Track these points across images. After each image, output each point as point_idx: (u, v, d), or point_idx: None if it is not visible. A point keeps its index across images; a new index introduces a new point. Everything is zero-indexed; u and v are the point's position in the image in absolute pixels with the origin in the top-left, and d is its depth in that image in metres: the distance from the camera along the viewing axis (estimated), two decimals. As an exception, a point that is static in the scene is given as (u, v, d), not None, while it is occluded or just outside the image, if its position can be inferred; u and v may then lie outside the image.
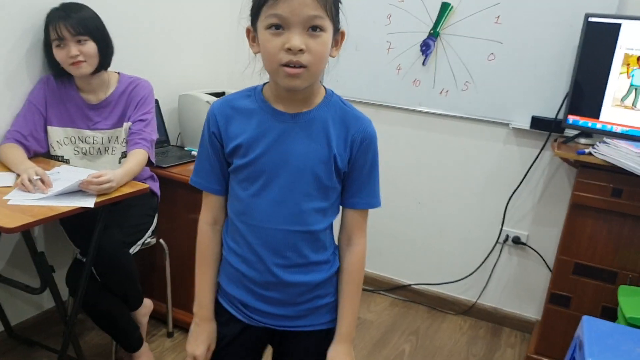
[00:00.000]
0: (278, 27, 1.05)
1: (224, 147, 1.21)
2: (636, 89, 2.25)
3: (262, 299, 1.25)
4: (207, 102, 2.65)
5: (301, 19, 1.04)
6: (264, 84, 1.22)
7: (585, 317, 1.88)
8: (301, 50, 1.05)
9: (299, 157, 1.16)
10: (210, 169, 1.24)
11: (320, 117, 1.18)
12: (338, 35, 1.15)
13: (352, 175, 1.21)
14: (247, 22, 1.15)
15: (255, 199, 1.19)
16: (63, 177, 1.88)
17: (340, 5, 1.13)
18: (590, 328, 1.81)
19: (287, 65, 1.06)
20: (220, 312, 1.32)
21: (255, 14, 1.10)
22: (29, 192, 1.76)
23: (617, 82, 2.28)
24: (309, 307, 1.26)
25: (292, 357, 1.34)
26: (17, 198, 1.72)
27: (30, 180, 1.77)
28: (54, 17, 1.96)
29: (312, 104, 1.18)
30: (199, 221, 1.30)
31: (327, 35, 1.08)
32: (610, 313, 2.27)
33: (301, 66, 1.06)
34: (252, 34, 1.14)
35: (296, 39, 1.04)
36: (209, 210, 1.29)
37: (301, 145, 1.16)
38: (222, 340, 1.32)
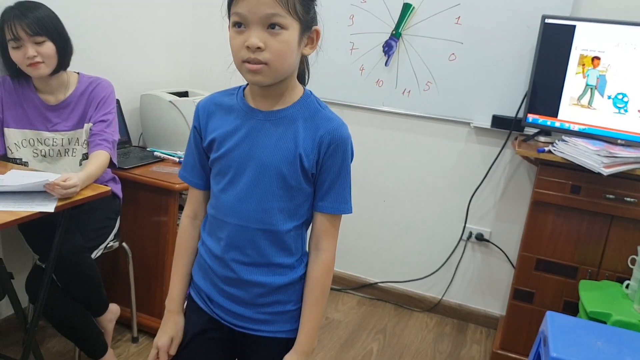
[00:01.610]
0: (240, 25, 1.08)
1: (203, 141, 1.24)
2: (591, 89, 2.32)
3: (224, 294, 1.25)
4: (170, 101, 2.62)
5: (259, 17, 1.06)
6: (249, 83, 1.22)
7: (549, 313, 1.92)
8: (259, 47, 1.07)
9: (265, 154, 1.17)
10: (193, 163, 1.29)
11: (292, 116, 1.18)
12: (311, 33, 1.15)
13: (320, 177, 1.20)
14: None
15: (223, 193, 1.22)
16: (11, 181, 1.78)
17: (313, 2, 1.13)
18: (554, 323, 1.85)
19: (247, 61, 1.09)
20: (190, 304, 1.33)
21: (227, 11, 1.13)
22: None
23: (573, 82, 2.34)
24: (269, 311, 1.25)
25: None
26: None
27: None
28: (9, 17, 1.89)
29: (287, 102, 1.19)
30: (182, 214, 1.34)
31: (289, 33, 1.09)
32: (572, 307, 2.33)
33: (261, 63, 1.08)
34: None
35: (253, 38, 1.07)
36: (191, 203, 1.33)
37: (269, 143, 1.17)
38: (188, 333, 1.32)
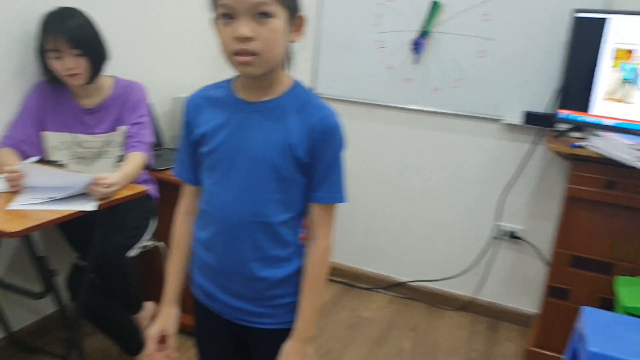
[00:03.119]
0: (228, 16, 1.07)
1: (193, 136, 1.24)
2: (626, 82, 2.28)
3: (223, 290, 1.25)
4: (201, 104, 2.65)
5: (246, 7, 1.05)
6: (238, 75, 1.21)
7: (585, 308, 1.90)
8: (248, 38, 1.06)
9: (257, 146, 1.16)
10: (184, 158, 1.29)
11: (281, 106, 1.17)
12: (297, 20, 1.14)
13: (313, 167, 1.18)
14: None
15: (216, 187, 1.21)
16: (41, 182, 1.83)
17: None
18: (590, 318, 1.83)
19: (238, 54, 1.08)
20: (194, 301, 1.34)
21: (212, 5, 1.12)
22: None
23: (606, 76, 2.31)
24: (269, 304, 1.25)
25: (255, 354, 1.33)
26: (17, 203, 1.71)
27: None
28: (51, 27, 1.93)
29: (275, 92, 1.18)
30: (176, 210, 1.34)
31: (278, 21, 1.08)
32: (608, 304, 2.29)
33: (252, 54, 1.07)
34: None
35: (242, 28, 1.05)
36: (184, 198, 1.34)
37: (259, 134, 1.16)
38: (198, 331, 1.35)
